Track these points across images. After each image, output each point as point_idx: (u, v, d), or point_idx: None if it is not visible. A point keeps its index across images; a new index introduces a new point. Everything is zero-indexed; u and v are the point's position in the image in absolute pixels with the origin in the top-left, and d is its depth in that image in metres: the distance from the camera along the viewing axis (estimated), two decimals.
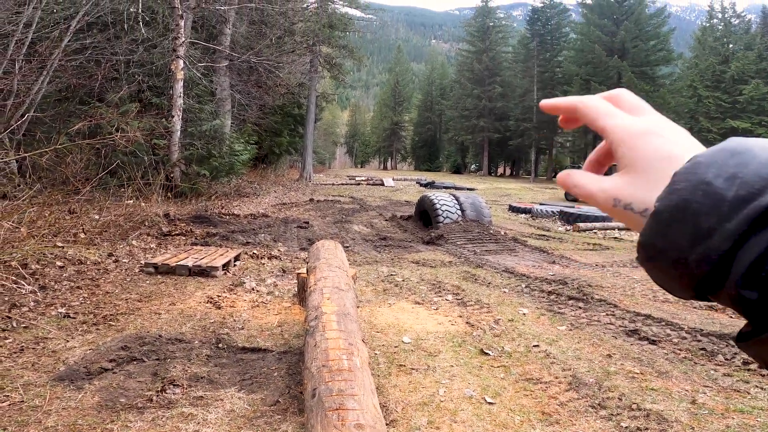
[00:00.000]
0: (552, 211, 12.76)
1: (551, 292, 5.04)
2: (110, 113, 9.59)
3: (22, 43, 9.27)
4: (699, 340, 3.70)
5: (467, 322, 3.97)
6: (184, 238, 7.72)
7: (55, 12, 10.63)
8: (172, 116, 12.19)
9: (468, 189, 25.02)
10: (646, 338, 3.76)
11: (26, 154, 6.44)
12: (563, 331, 3.88)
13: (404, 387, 2.81)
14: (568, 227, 11.23)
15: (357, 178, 27.89)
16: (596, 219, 11.47)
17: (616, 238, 10.05)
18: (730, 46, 34.33)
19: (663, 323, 4.11)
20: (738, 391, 2.87)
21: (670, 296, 5.08)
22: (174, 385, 2.63)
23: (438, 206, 9.00)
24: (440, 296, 4.77)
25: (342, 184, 24.69)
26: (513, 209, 14.21)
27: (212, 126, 12.95)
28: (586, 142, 39.24)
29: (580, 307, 4.54)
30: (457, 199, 9.46)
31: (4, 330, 3.28)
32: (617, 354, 3.44)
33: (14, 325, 3.36)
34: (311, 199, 15.00)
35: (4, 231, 5.21)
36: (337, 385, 1.94)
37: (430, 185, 25.45)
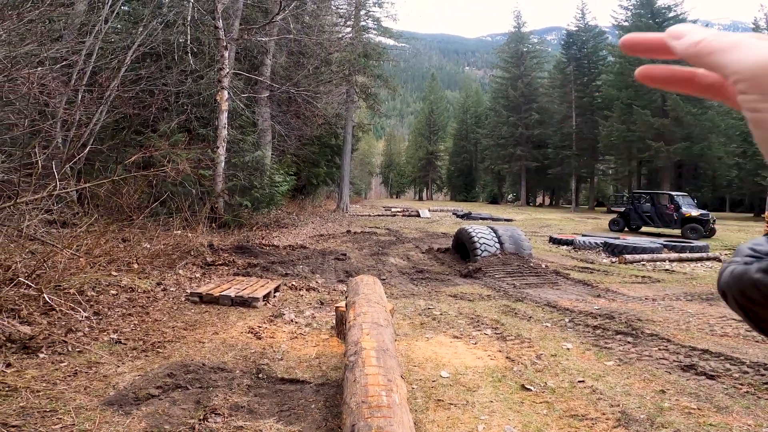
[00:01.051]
0: (595, 243, 12.29)
1: (597, 327, 4.81)
2: (162, 144, 10.17)
3: (83, 72, 10.02)
4: (762, 374, 3.45)
5: (507, 357, 3.84)
6: (226, 268, 7.97)
7: (113, 41, 11.49)
8: (218, 147, 12.78)
9: (506, 220, 24.58)
10: (703, 373, 3.53)
11: (86, 185, 6.91)
12: (611, 367, 3.68)
13: (442, 422, 2.74)
14: (614, 259, 10.75)
15: (392, 210, 28.04)
16: (644, 250, 10.93)
17: (666, 270, 9.53)
18: None
19: (722, 357, 3.85)
20: None
21: (729, 330, 4.73)
22: (215, 413, 2.68)
23: (476, 239, 8.89)
24: (479, 330, 4.66)
25: (378, 215, 24.87)
26: (554, 241, 13.80)
27: (254, 157, 13.48)
28: (630, 170, 37.75)
29: (629, 342, 4.30)
30: (495, 231, 9.32)
31: (60, 354, 3.46)
32: (671, 389, 3.24)
33: (69, 349, 3.54)
34: (348, 231, 15.18)
35: (65, 259, 5.59)
36: (376, 421, 1.92)
37: (467, 216, 25.20)
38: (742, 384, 3.31)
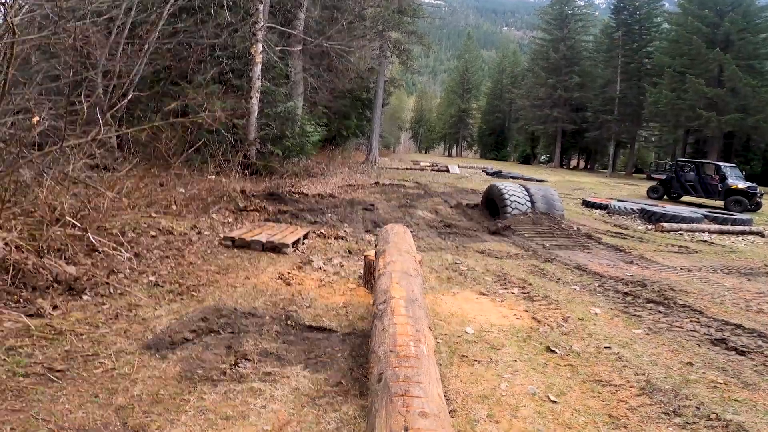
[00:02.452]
0: (631, 209, 11.87)
1: (627, 293, 4.72)
2: (198, 94, 10.30)
3: (123, 26, 10.14)
4: None
5: (533, 318, 3.83)
6: (257, 214, 8.13)
7: None
8: (251, 97, 12.88)
9: (538, 180, 23.93)
10: (734, 348, 3.44)
11: (127, 131, 7.08)
12: (639, 335, 3.63)
13: (465, 378, 2.79)
14: (650, 227, 10.38)
15: (421, 164, 27.75)
16: (684, 220, 10.49)
17: (705, 241, 9.16)
18: None
19: (755, 334, 3.72)
20: None
21: (765, 307, 4.54)
22: (246, 359, 2.80)
23: (507, 196, 8.72)
24: (506, 289, 4.65)
25: (406, 168, 24.68)
26: (587, 204, 13.41)
27: (286, 108, 13.49)
28: (675, 138, 35.88)
29: (659, 312, 4.20)
30: (527, 190, 9.11)
31: (102, 296, 3.61)
32: (699, 362, 3.17)
33: (111, 291, 3.71)
34: (377, 182, 15.16)
35: (107, 201, 5.80)
36: (403, 371, 1.95)
37: (497, 174, 24.68)
38: None
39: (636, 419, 2.43)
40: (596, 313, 4.05)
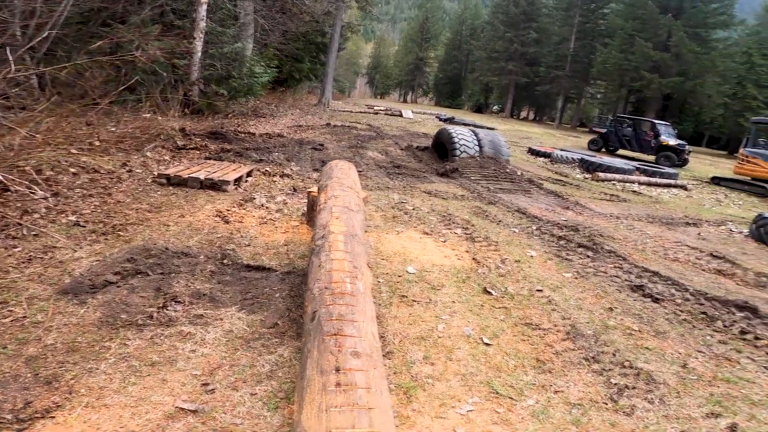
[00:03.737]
0: (572, 158, 12.35)
1: (561, 237, 4.95)
2: (131, 33, 9.27)
3: None
4: (702, 304, 3.62)
5: (474, 258, 3.94)
6: (198, 152, 7.65)
7: None
8: (194, 38, 11.86)
9: (488, 128, 24.13)
10: (650, 295, 3.67)
11: (45, 69, 6.29)
12: (568, 279, 3.83)
13: (404, 319, 2.83)
14: (587, 175, 10.90)
15: (375, 108, 27.17)
16: (617, 170, 11.08)
17: (635, 191, 9.77)
18: None
19: (669, 282, 4.02)
20: (729, 360, 2.83)
21: (681, 256, 4.95)
22: (176, 301, 2.66)
23: (456, 139, 8.76)
24: (449, 229, 4.72)
25: (360, 112, 24.09)
26: (532, 152, 13.80)
27: (233, 48, 12.60)
28: (619, 96, 37.41)
29: (588, 256, 4.46)
30: (476, 134, 9.19)
31: (14, 238, 3.27)
32: (619, 308, 3.39)
33: (24, 232, 3.36)
34: (328, 124, 14.71)
35: (20, 138, 5.17)
36: (338, 309, 1.91)
37: (450, 121, 24.71)
38: (682, 311, 3.44)
39: (560, 364, 2.56)
40: (532, 256, 4.23)
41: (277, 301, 2.83)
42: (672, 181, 11.45)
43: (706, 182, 13.28)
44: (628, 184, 10.53)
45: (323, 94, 24.35)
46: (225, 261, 3.26)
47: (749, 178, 12.51)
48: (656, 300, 3.61)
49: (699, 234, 6.27)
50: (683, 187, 11.31)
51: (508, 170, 8.62)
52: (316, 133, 12.16)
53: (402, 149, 10.72)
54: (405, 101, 65.26)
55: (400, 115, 24.21)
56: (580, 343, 2.81)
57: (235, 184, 5.38)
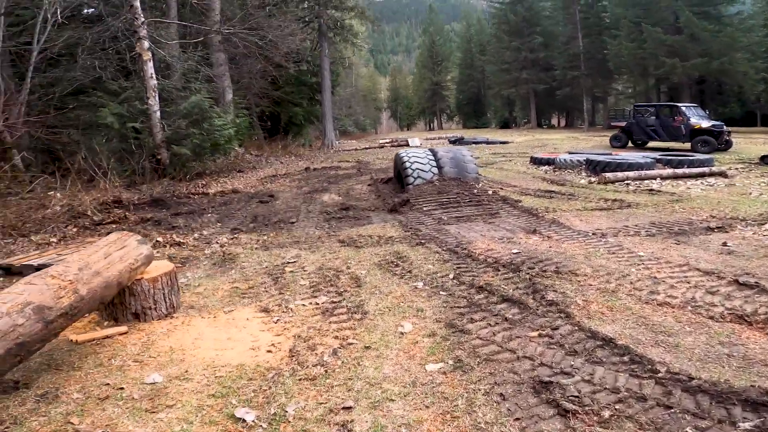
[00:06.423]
0: (578, 161, 10.54)
1: (483, 288, 3.41)
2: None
3: None
4: (685, 414, 1.96)
5: (292, 349, 2.53)
6: (115, 225, 6.85)
7: None
8: (148, 98, 11.42)
9: (501, 142, 22.66)
10: (561, 405, 1.97)
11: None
12: (428, 377, 2.24)
13: None
14: (594, 178, 9.07)
15: (379, 141, 26.35)
16: (631, 167, 9.17)
17: (652, 190, 7.86)
18: None
19: (624, 358, 2.32)
20: None
21: (678, 292, 3.21)
22: None
23: (408, 165, 7.43)
24: (312, 298, 3.36)
25: (365, 148, 23.27)
26: (535, 161, 12.09)
27: (190, 104, 11.92)
28: (648, 87, 34.50)
29: (506, 319, 2.88)
30: (434, 154, 7.79)
31: None
32: None
33: None
34: (307, 168, 13.82)
35: None
36: None
37: (459, 141, 23.27)
38: None
39: None
40: (402, 333, 2.75)
41: None
42: (706, 169, 9.34)
43: (755, 164, 10.88)
44: (646, 182, 8.61)
45: (325, 135, 23.83)
46: None
47: None
48: (569, 414, 1.92)
49: (724, 245, 4.42)
50: (722, 174, 9.17)
51: (474, 191, 7.11)
52: (286, 182, 11.23)
53: (368, 185, 9.50)
54: (430, 128, 64.72)
55: (407, 145, 23.13)
56: None
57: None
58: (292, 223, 6.47)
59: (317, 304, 3.22)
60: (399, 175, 8.34)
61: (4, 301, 2.13)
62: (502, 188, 8.16)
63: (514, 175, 10.40)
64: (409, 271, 3.91)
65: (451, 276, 3.72)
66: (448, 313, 3.02)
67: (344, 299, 3.29)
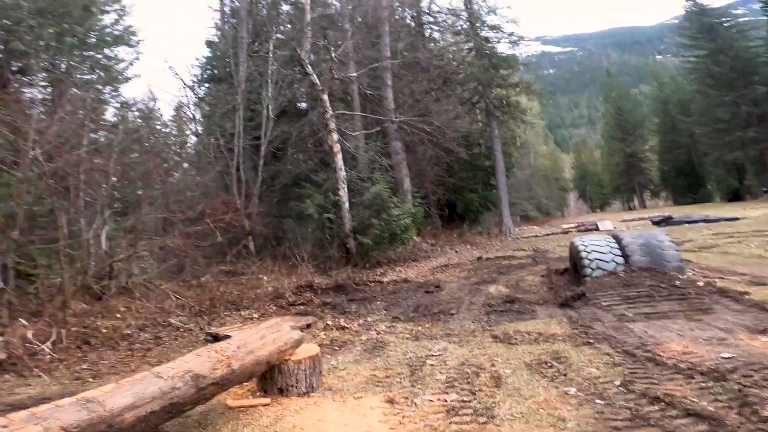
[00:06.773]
0: None
1: (659, 399, 2.59)
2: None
3: None
4: None
5: None
6: (302, 307, 7.90)
7: None
8: (338, 189, 13.19)
9: (727, 219, 18.25)
10: None
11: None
12: None
13: None
14: None
15: (563, 226, 24.28)
16: None
17: None
18: None
19: None
20: None
21: None
22: None
23: (583, 254, 6.55)
24: (442, 394, 3.09)
25: (546, 234, 21.78)
26: None
27: (372, 194, 13.32)
28: None
29: None
30: (619, 240, 6.73)
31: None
32: None
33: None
34: (479, 258, 13.54)
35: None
36: None
37: (665, 221, 19.72)
38: None
39: None
40: None
41: None
42: None
43: None
44: None
45: (502, 221, 23.27)
46: None
47: None
48: None
49: None
50: None
51: (676, 283, 5.79)
52: (455, 272, 11.22)
53: (542, 276, 8.76)
54: (630, 208, 56.68)
55: (596, 229, 20.73)
56: None
57: None
58: (452, 314, 6.30)
59: (445, 401, 2.94)
60: (576, 266, 7.46)
61: (173, 367, 2.59)
62: (722, 278, 6.45)
63: (744, 260, 8.14)
64: (564, 374, 3.28)
65: (617, 382, 2.96)
66: (598, 426, 2.36)
67: (475, 399, 2.93)
